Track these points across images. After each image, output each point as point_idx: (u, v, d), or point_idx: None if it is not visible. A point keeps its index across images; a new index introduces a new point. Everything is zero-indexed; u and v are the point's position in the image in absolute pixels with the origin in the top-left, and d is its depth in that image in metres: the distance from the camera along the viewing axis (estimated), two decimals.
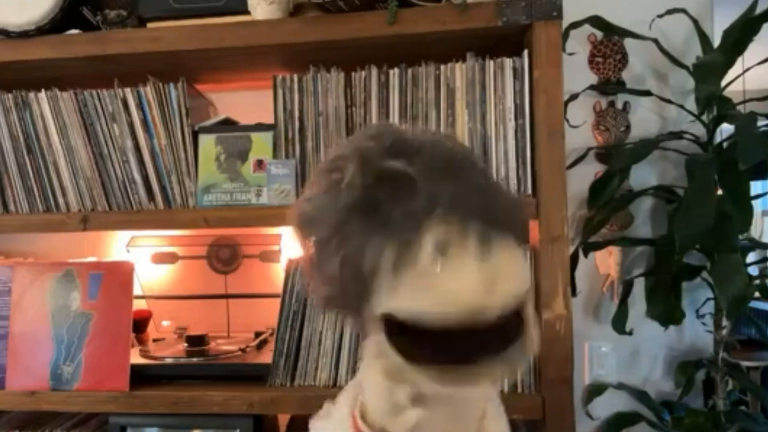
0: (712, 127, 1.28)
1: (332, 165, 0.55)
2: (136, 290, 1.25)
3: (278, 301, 1.16)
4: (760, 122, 1.10)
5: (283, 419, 1.29)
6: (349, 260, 0.52)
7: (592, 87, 1.39)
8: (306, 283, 0.56)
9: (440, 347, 0.51)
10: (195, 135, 1.20)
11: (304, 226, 0.57)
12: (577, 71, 1.39)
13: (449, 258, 0.50)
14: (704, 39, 1.31)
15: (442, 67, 1.12)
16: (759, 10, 1.23)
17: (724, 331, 1.29)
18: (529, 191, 1.09)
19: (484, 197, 0.53)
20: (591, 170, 1.40)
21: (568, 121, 1.28)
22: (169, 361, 1.21)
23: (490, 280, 0.49)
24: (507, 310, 0.51)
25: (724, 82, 1.25)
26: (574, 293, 1.25)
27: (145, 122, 1.20)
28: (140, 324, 1.39)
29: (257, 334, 1.32)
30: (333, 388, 1.09)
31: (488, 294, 0.49)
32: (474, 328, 0.49)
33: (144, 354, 1.24)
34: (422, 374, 0.52)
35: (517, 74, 1.10)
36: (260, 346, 1.28)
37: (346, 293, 0.55)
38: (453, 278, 0.50)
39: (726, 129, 1.26)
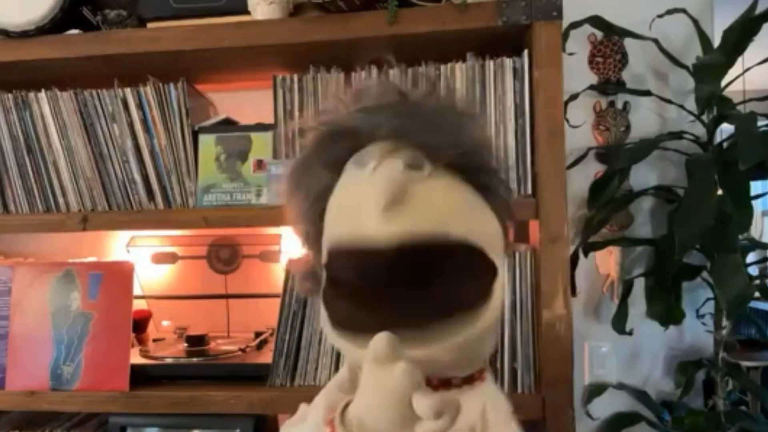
0: (712, 127, 1.28)
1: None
2: (136, 290, 1.25)
3: (278, 301, 1.16)
4: (760, 122, 1.10)
5: (283, 419, 1.29)
6: (314, 185, 0.52)
7: (592, 87, 1.39)
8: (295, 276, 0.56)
9: (356, 301, 0.46)
10: (195, 135, 1.20)
11: (293, 177, 0.56)
12: (577, 71, 1.39)
13: (367, 175, 0.47)
14: (704, 39, 1.31)
15: (442, 67, 1.12)
16: (759, 10, 1.23)
17: (724, 331, 1.29)
18: (529, 191, 1.09)
19: (430, 128, 0.49)
20: (591, 170, 1.40)
21: (568, 121, 1.28)
22: (169, 361, 1.21)
23: (400, 196, 0.45)
24: (412, 236, 0.45)
25: (724, 82, 1.25)
26: (574, 293, 1.25)
27: (145, 122, 1.20)
28: (140, 324, 1.39)
29: (257, 334, 1.32)
30: None
31: (384, 218, 0.45)
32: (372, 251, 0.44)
33: (144, 354, 1.24)
34: (342, 341, 0.48)
35: (517, 74, 1.10)
36: (260, 346, 1.28)
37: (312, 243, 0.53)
38: (360, 195, 0.46)
39: (726, 129, 1.27)
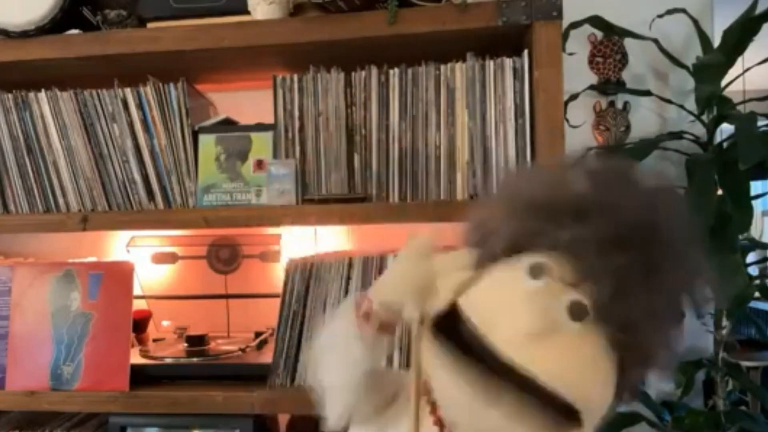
0: (712, 127, 1.28)
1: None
2: (136, 290, 1.25)
3: (278, 301, 1.16)
4: (760, 122, 1.10)
5: (283, 419, 1.29)
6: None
7: (592, 87, 1.39)
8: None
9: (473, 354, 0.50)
10: (195, 135, 1.20)
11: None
12: (577, 71, 1.39)
13: (537, 285, 0.50)
14: (704, 39, 1.31)
15: (442, 67, 1.12)
16: (759, 10, 1.23)
17: (724, 331, 1.28)
18: None
19: (630, 306, 0.49)
20: None
21: (568, 121, 1.28)
22: (169, 361, 1.21)
23: (536, 335, 0.47)
24: (542, 379, 0.47)
25: (724, 82, 1.25)
26: None
27: (145, 122, 1.20)
28: (140, 324, 1.39)
29: (257, 334, 1.32)
30: None
31: (535, 344, 0.47)
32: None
33: (144, 354, 1.24)
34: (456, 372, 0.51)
35: (517, 74, 1.10)
36: (260, 346, 1.28)
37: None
38: (523, 302, 0.49)
39: (726, 129, 1.26)
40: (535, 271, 0.50)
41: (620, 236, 0.49)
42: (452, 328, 0.53)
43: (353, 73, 1.15)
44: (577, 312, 0.48)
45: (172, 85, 1.18)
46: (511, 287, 0.51)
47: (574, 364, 0.48)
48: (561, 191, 0.53)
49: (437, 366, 0.54)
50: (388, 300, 0.62)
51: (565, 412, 0.49)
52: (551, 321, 0.48)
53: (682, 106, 1.34)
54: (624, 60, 1.40)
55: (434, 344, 0.55)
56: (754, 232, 1.62)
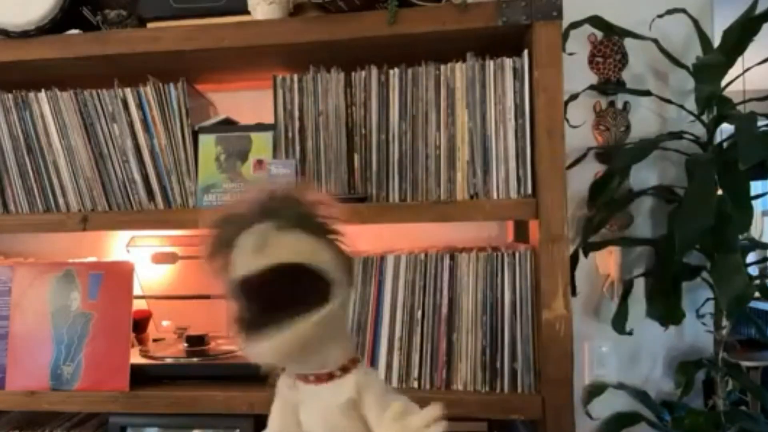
0: (712, 127, 1.28)
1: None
2: (136, 290, 1.25)
3: None
4: (760, 122, 1.10)
5: None
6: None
7: (592, 87, 1.39)
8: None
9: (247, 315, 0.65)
10: (195, 135, 1.20)
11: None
12: (577, 71, 1.39)
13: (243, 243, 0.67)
14: (704, 39, 1.31)
15: (442, 67, 1.12)
16: (759, 10, 1.23)
17: (724, 331, 1.29)
18: (529, 191, 1.09)
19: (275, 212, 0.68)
20: (591, 170, 1.40)
21: (568, 121, 1.28)
22: (169, 361, 1.21)
23: (259, 249, 0.65)
24: (277, 267, 0.63)
25: (724, 82, 1.25)
26: (574, 293, 1.25)
27: (145, 122, 1.20)
28: (140, 324, 1.39)
29: None
30: None
31: (257, 257, 0.64)
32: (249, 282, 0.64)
33: (144, 354, 1.24)
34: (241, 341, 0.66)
35: (517, 74, 1.10)
36: None
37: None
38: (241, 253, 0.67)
39: (726, 129, 1.27)
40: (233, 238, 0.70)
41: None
42: None
43: (353, 73, 1.15)
44: (263, 234, 0.66)
45: (172, 85, 1.18)
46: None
47: (290, 243, 0.66)
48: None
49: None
50: None
51: (309, 281, 0.66)
52: (261, 236, 0.66)
53: (682, 106, 1.34)
54: (624, 60, 1.40)
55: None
56: (754, 232, 1.62)
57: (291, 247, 0.67)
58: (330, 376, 0.70)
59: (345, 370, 0.70)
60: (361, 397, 0.69)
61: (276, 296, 0.65)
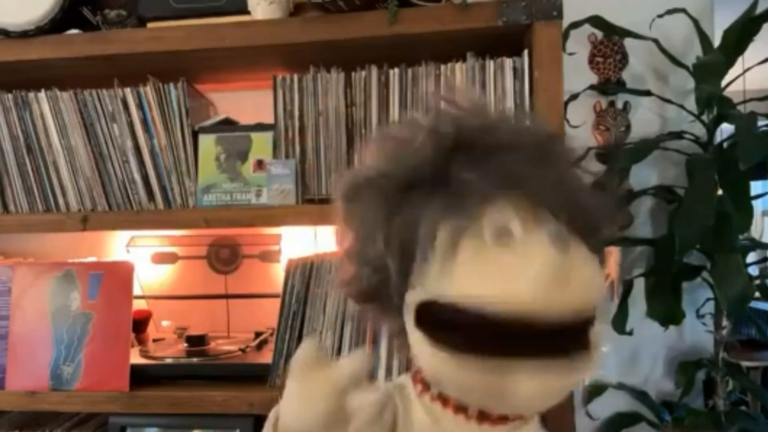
0: (712, 127, 1.28)
1: (399, 131, 0.51)
2: (136, 290, 1.25)
3: (278, 301, 1.16)
4: (760, 122, 1.10)
5: None
6: (400, 234, 0.48)
7: (592, 87, 1.39)
8: (339, 275, 0.54)
9: (480, 338, 0.47)
10: (195, 135, 1.20)
11: (353, 196, 0.53)
12: (577, 71, 1.39)
13: (517, 243, 0.46)
14: (704, 39, 1.31)
15: (442, 67, 1.12)
16: (759, 10, 1.23)
17: (724, 331, 1.28)
18: None
19: (566, 191, 0.49)
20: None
21: (568, 121, 1.28)
22: (169, 361, 1.21)
23: (564, 275, 0.45)
24: (574, 316, 0.47)
25: (724, 82, 1.25)
26: None
27: (145, 122, 1.20)
28: (140, 324, 1.39)
29: (257, 334, 1.32)
30: None
31: (560, 291, 0.45)
32: (529, 325, 0.45)
33: (144, 354, 1.24)
34: (463, 365, 0.48)
35: (517, 74, 1.10)
36: (260, 346, 1.28)
37: (386, 279, 0.52)
38: (521, 265, 0.45)
39: (726, 129, 1.26)
40: (503, 237, 0.47)
41: (528, 149, 0.48)
42: (436, 319, 0.51)
43: (353, 73, 1.15)
44: (561, 241, 0.46)
45: (172, 85, 1.18)
46: (497, 265, 0.47)
47: (589, 278, 0.48)
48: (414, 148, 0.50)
49: (438, 359, 0.51)
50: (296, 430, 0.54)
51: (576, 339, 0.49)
52: (557, 267, 0.45)
53: (682, 106, 1.34)
54: (624, 60, 1.40)
55: (424, 338, 0.52)
56: (754, 232, 1.62)
57: (591, 282, 0.49)
58: (503, 420, 0.56)
59: (524, 419, 0.57)
60: None
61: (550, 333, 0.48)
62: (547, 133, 0.53)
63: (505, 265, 0.47)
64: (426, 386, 0.57)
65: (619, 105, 1.42)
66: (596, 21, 1.31)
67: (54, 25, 1.18)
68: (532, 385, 0.49)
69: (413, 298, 0.53)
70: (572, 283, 0.47)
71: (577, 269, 0.47)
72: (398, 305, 0.55)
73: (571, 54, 1.35)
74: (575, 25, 1.29)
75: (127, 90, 1.20)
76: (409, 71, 1.13)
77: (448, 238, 0.47)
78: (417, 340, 0.52)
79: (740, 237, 1.18)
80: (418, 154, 0.49)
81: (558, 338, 0.48)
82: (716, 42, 1.28)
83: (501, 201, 0.47)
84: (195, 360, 1.21)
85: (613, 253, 1.40)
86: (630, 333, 1.30)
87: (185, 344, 1.27)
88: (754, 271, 1.42)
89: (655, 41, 1.31)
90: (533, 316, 0.46)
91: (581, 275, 0.48)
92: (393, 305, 0.55)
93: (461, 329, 0.48)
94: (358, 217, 0.53)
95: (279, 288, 1.18)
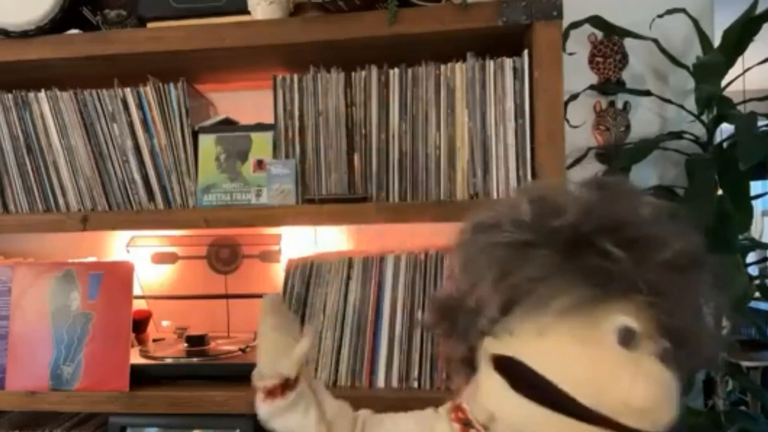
0: (712, 127, 1.28)
1: (550, 203, 0.53)
2: (136, 290, 1.25)
3: None
4: (760, 122, 1.10)
5: None
6: (514, 285, 0.50)
7: (592, 87, 1.39)
8: (444, 281, 0.58)
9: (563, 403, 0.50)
10: (195, 135, 1.20)
11: (484, 230, 0.55)
12: (577, 71, 1.39)
13: (635, 347, 0.49)
14: (704, 39, 1.31)
15: (442, 67, 1.12)
16: (759, 10, 1.23)
17: (724, 331, 1.28)
18: None
19: (691, 316, 0.51)
20: (591, 170, 1.40)
21: (568, 121, 1.28)
22: (169, 361, 1.21)
23: (658, 398, 0.48)
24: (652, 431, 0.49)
25: (724, 82, 1.25)
26: None
27: (145, 122, 1.20)
28: (140, 324, 1.39)
29: (257, 334, 1.32)
30: (333, 388, 1.09)
31: (658, 408, 0.48)
32: (613, 422, 0.49)
33: (144, 354, 1.24)
34: (542, 413, 0.51)
35: (517, 74, 1.10)
36: None
37: (471, 311, 0.55)
38: (637, 373, 0.48)
39: (726, 129, 1.26)
40: (627, 338, 0.50)
41: (672, 262, 0.50)
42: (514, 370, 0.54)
43: (353, 73, 1.15)
44: (667, 361, 0.50)
45: (172, 85, 1.18)
46: (606, 356, 0.50)
47: (671, 401, 0.50)
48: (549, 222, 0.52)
49: (514, 404, 0.54)
50: (265, 374, 0.78)
51: None
52: (661, 390, 0.49)
53: (682, 106, 1.34)
54: (624, 60, 1.40)
55: (505, 384, 0.55)
56: (754, 232, 1.62)
57: (672, 406, 0.50)
58: None
59: None
60: None
61: None
62: (700, 244, 0.54)
63: (619, 364, 0.49)
64: (465, 427, 0.60)
65: (619, 105, 1.42)
66: (596, 21, 1.31)
67: (54, 25, 1.18)
68: None
69: (494, 348, 0.55)
70: (666, 402, 0.50)
71: (667, 391, 0.50)
72: (464, 337, 0.58)
73: (571, 54, 1.35)
74: (575, 25, 1.29)
75: (127, 90, 1.20)
76: (409, 71, 1.13)
77: (563, 308, 0.49)
78: (495, 383, 0.55)
79: (740, 237, 1.18)
80: (562, 216, 0.50)
81: None
82: (716, 42, 1.28)
83: (631, 295, 0.50)
84: (195, 360, 1.21)
85: None
86: None
87: (185, 344, 1.27)
88: (754, 271, 1.42)
89: (655, 41, 1.31)
90: (623, 420, 0.49)
91: (672, 397, 0.50)
92: (461, 334, 0.58)
93: (544, 391, 0.51)
94: (482, 250, 0.55)
95: (279, 288, 1.18)
